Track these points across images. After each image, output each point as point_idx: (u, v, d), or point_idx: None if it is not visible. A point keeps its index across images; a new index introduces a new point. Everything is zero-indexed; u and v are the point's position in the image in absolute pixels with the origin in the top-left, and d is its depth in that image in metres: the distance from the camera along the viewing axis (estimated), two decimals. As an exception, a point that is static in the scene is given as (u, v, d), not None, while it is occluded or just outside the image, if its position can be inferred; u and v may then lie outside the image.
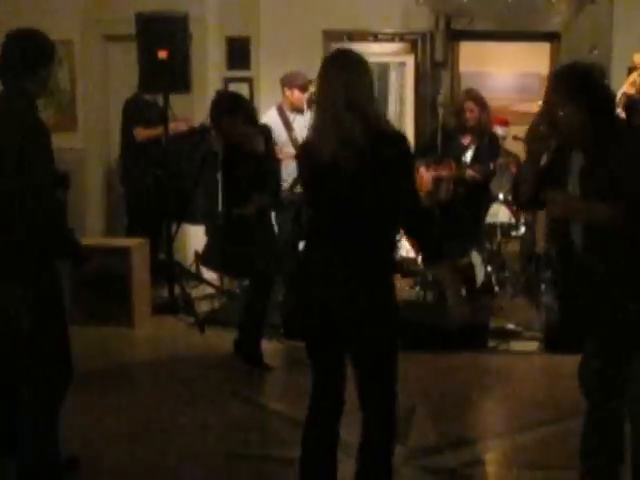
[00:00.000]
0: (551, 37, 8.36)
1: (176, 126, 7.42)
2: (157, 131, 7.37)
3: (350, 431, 3.53)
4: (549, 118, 3.35)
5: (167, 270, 7.31)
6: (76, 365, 5.75)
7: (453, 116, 7.15)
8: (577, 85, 3.29)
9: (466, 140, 7.08)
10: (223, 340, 6.07)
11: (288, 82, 7.27)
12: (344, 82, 3.19)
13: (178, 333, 6.68)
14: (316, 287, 3.30)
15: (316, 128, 3.28)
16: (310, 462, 3.46)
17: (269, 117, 7.21)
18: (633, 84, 6.72)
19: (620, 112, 6.45)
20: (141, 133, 7.49)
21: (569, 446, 4.52)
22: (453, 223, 6.66)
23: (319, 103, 3.31)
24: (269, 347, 6.01)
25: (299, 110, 7.29)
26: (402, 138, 3.24)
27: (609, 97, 3.41)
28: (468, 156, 7.04)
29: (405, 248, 7.30)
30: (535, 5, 8.20)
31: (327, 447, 3.45)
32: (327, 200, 3.27)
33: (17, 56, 3.79)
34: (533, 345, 6.20)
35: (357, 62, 3.28)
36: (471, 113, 6.95)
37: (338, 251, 3.24)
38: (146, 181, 7.57)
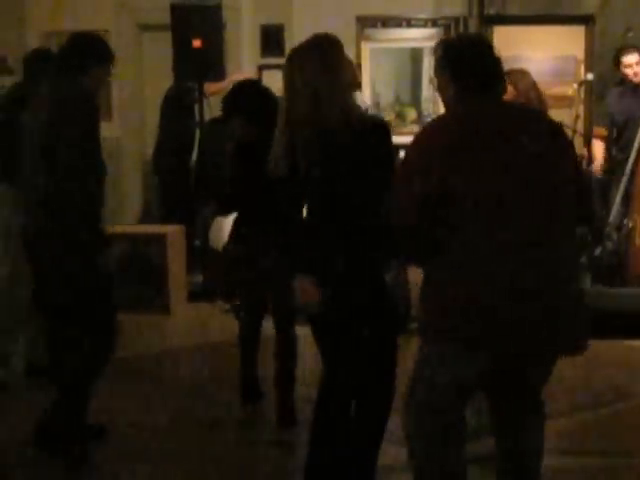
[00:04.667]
0: (586, 20, 8.25)
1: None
2: (224, 84, 7.41)
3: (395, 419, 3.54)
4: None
5: (203, 256, 7.36)
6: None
7: None
8: (445, 56, 3.10)
9: None
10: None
11: None
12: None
13: (214, 319, 6.73)
14: None
15: None
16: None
17: None
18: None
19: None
20: (211, 87, 7.48)
21: (604, 433, 4.55)
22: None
23: None
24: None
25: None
26: None
27: (476, 73, 3.05)
28: None
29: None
30: (569, -12, 8.14)
31: None
32: None
33: (75, 54, 4.05)
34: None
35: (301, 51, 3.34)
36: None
37: None
38: (181, 169, 7.64)
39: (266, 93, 4.53)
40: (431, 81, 3.20)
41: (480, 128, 2.96)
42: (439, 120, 3.22)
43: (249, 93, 4.54)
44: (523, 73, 6.73)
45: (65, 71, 4.05)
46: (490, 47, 3.15)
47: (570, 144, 3.22)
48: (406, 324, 5.87)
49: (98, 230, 4.03)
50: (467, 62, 3.05)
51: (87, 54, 4.07)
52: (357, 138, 3.24)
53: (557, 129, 3.16)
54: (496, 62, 3.10)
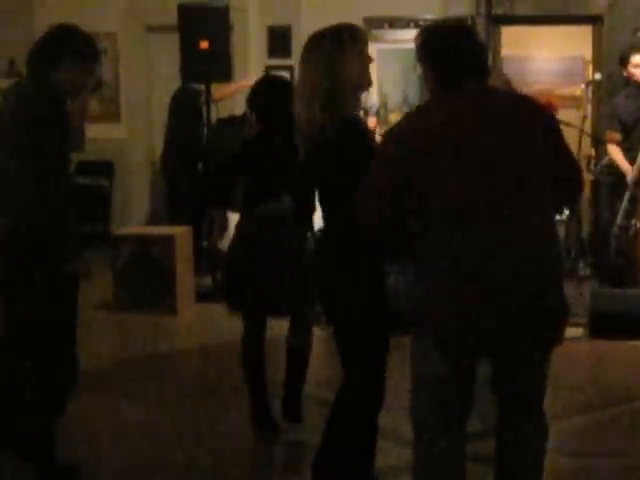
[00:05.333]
0: (594, 20, 8.26)
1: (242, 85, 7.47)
2: (230, 90, 7.41)
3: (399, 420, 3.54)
4: None
5: (210, 257, 7.37)
6: (120, 352, 5.90)
7: None
8: (423, 43, 2.98)
9: None
10: (272, 328, 6.08)
11: None
12: None
13: (221, 320, 6.71)
14: None
15: None
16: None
17: None
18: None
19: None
20: (216, 93, 7.49)
21: (613, 433, 4.53)
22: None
23: None
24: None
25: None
26: None
27: (451, 60, 2.92)
28: None
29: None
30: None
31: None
32: None
33: (48, 45, 3.68)
34: (578, 331, 6.15)
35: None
36: None
37: None
38: (189, 170, 7.66)
39: (286, 89, 4.31)
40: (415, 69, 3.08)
41: (453, 122, 2.83)
42: (412, 114, 3.11)
43: (267, 90, 4.40)
44: (499, 74, 6.79)
45: (36, 65, 3.67)
46: (471, 34, 3.02)
47: (557, 129, 3.05)
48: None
49: (68, 234, 3.67)
50: (442, 49, 2.93)
51: (61, 45, 3.65)
52: (327, 143, 3.23)
53: (543, 115, 3.03)
54: (476, 50, 2.96)
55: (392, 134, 2.98)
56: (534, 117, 2.96)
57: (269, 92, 4.38)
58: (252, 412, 4.52)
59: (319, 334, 5.83)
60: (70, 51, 3.66)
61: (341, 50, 3.23)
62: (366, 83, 3.37)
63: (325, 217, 3.41)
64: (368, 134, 3.42)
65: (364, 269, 3.28)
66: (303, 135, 3.30)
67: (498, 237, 2.81)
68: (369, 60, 3.34)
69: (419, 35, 3.02)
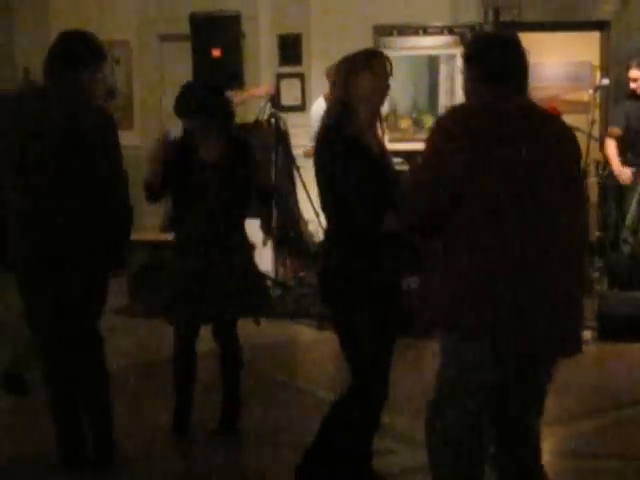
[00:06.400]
0: (601, 26, 8.32)
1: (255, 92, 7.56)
2: (243, 96, 7.52)
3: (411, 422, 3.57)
4: None
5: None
6: (134, 357, 5.95)
7: None
8: (470, 52, 3.09)
9: None
10: (278, 331, 6.13)
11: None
12: None
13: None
14: None
15: None
16: None
17: (318, 105, 7.26)
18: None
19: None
20: (237, 96, 7.56)
21: (622, 435, 4.55)
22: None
23: None
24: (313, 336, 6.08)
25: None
26: None
27: (499, 70, 2.98)
28: None
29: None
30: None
31: None
32: None
33: (57, 56, 3.76)
34: (587, 334, 6.18)
35: None
36: None
37: None
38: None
39: (214, 93, 4.42)
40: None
41: (481, 127, 2.87)
42: (451, 115, 3.14)
43: (195, 93, 4.39)
44: None
45: (59, 70, 3.73)
46: (505, 43, 3.05)
47: (579, 173, 3.18)
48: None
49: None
50: (479, 53, 3.04)
51: (80, 53, 3.76)
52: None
53: (571, 140, 3.06)
54: (514, 58, 3.01)
55: (442, 128, 3.00)
56: (565, 139, 3.02)
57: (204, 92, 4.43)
58: (175, 417, 4.54)
59: (319, 335, 5.89)
60: (78, 57, 3.74)
61: (355, 72, 3.50)
62: (378, 101, 3.56)
63: (333, 221, 3.55)
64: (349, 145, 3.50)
65: (371, 269, 3.42)
66: None
67: (533, 243, 2.84)
68: (383, 82, 3.54)
69: (468, 44, 3.29)
